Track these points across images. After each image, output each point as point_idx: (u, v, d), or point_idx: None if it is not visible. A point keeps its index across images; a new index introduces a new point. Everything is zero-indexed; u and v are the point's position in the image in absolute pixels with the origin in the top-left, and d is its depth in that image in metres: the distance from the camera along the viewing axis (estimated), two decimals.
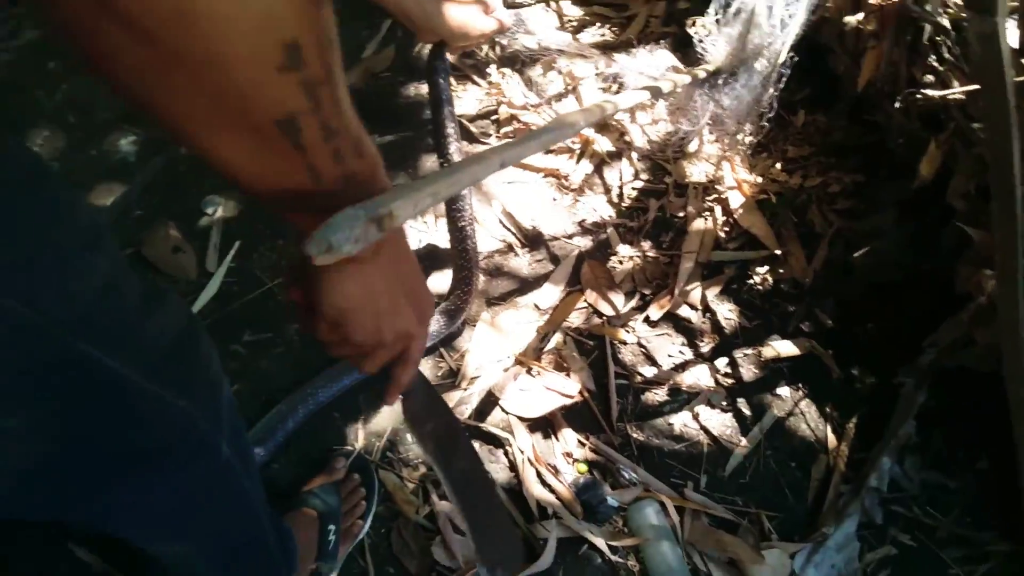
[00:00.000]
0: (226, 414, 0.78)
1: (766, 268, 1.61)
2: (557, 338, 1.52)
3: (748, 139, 1.69)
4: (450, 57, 1.45)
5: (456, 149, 1.39)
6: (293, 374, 1.41)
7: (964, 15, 1.19)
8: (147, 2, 0.37)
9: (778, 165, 1.71)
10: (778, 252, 1.61)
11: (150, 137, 1.73)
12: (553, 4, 2.16)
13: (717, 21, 1.52)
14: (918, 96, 1.29)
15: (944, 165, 1.32)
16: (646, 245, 1.66)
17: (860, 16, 1.41)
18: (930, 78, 1.30)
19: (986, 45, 0.85)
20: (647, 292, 1.60)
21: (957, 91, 1.23)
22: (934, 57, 1.28)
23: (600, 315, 1.56)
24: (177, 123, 0.45)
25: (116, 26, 0.38)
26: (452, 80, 1.93)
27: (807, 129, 1.76)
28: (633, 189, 1.76)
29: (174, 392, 0.68)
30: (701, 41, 1.55)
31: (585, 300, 1.58)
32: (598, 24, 2.12)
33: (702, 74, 1.49)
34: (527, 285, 1.61)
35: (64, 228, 0.59)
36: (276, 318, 1.50)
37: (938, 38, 1.25)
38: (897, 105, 1.35)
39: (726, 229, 1.67)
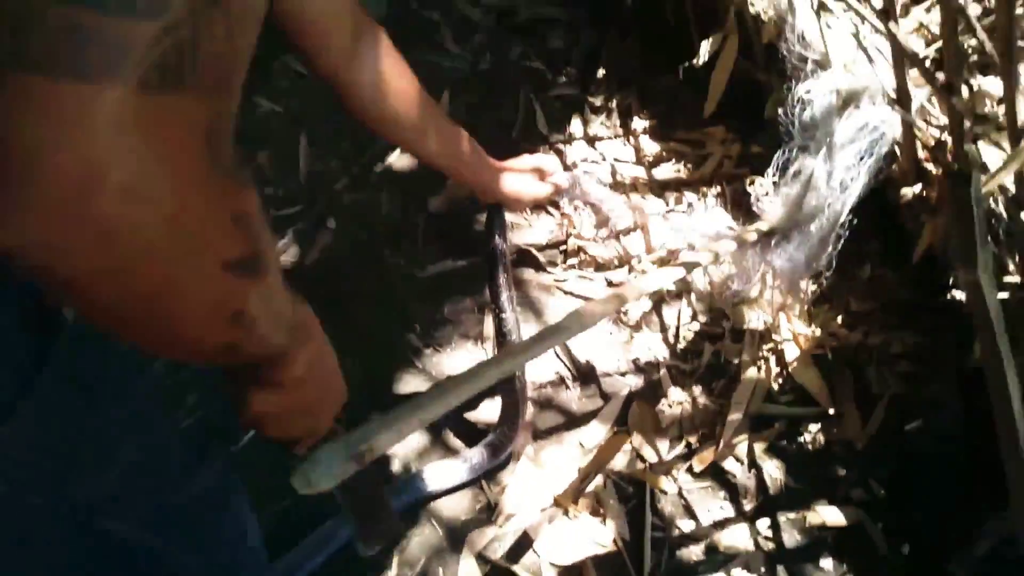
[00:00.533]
0: (245, 563, 0.86)
1: (818, 427, 1.58)
2: (598, 480, 1.54)
3: (810, 290, 1.69)
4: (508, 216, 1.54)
5: (511, 316, 1.45)
6: None
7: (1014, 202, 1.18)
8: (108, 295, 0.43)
9: (839, 319, 1.69)
10: (832, 411, 1.58)
11: None
12: (632, 138, 2.25)
13: (775, 183, 1.56)
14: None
15: None
16: (697, 390, 1.67)
17: (917, 188, 1.41)
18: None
19: (975, 294, 0.86)
20: (693, 440, 1.60)
21: (1011, 278, 1.21)
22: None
23: (643, 460, 1.57)
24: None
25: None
26: (525, 211, 2.05)
27: (873, 284, 1.73)
28: (689, 331, 1.78)
29: (184, 548, 0.76)
30: (758, 200, 1.59)
31: (630, 443, 1.60)
32: (673, 160, 2.19)
33: (752, 236, 1.52)
34: (574, 421, 1.65)
35: (113, 411, 0.68)
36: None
37: (992, 221, 1.24)
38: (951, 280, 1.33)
39: (779, 381, 1.66)
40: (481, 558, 1.43)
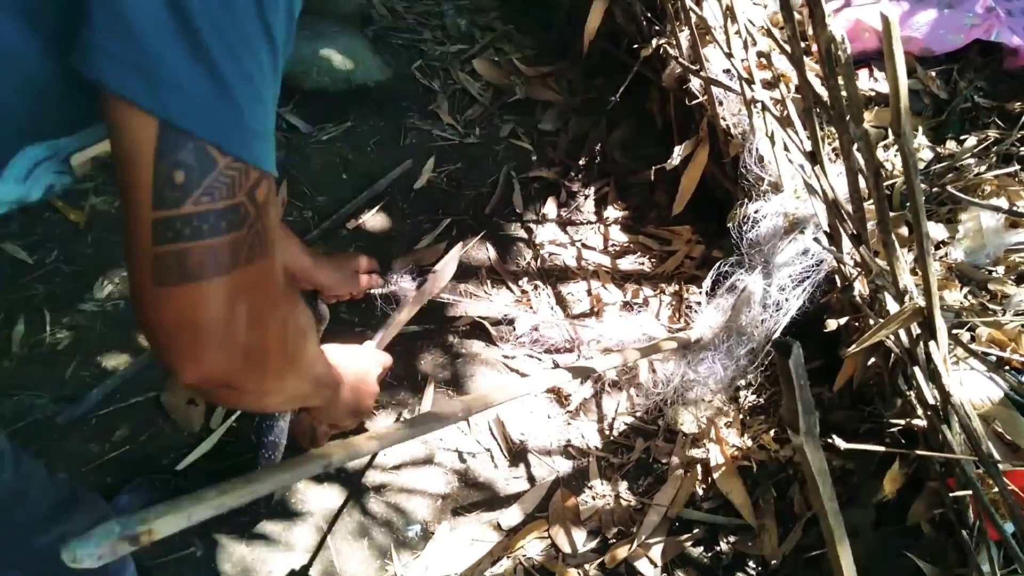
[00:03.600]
0: None
1: (735, 538, 1.60)
2: (507, 565, 1.54)
3: (747, 401, 1.72)
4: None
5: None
6: (249, 547, 1.51)
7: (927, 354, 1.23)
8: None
9: (772, 432, 1.72)
10: (752, 524, 1.60)
11: None
12: (603, 227, 2.33)
13: (707, 293, 1.62)
14: (886, 414, 1.31)
15: (912, 482, 1.31)
16: (622, 486, 1.69)
17: (843, 320, 1.46)
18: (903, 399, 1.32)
19: (800, 455, 0.91)
20: (610, 535, 1.61)
21: (918, 420, 1.24)
22: (902, 380, 1.31)
23: (557, 551, 1.58)
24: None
25: None
26: (486, 284, 2.11)
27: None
28: (624, 424, 1.81)
29: None
30: (690, 308, 1.64)
31: (547, 531, 1.61)
32: (639, 253, 2.26)
33: (673, 345, 1.57)
34: (496, 501, 1.67)
35: None
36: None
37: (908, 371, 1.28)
38: (867, 412, 1.36)
39: (704, 487, 1.68)
40: None
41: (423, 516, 1.62)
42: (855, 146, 0.98)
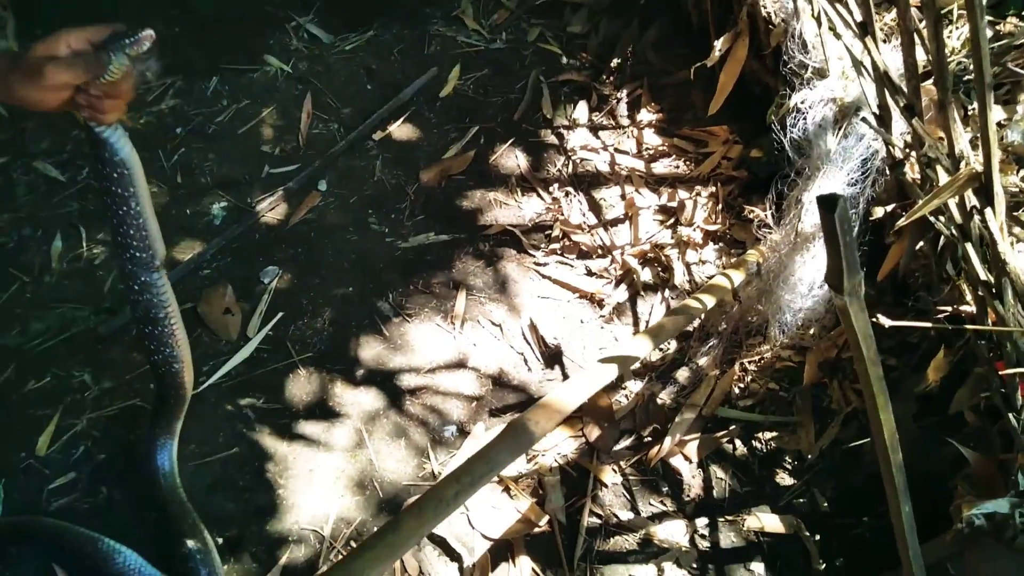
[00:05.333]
0: None
1: (772, 435, 1.60)
2: (542, 462, 1.57)
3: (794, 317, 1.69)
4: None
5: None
6: (291, 446, 1.56)
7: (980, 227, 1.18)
8: None
9: (812, 331, 1.70)
10: (788, 421, 1.59)
11: (237, 207, 1.99)
12: (635, 131, 2.27)
13: (773, 212, 1.57)
14: (934, 301, 1.27)
15: (955, 373, 1.28)
16: (658, 387, 1.69)
17: (890, 207, 1.41)
18: (950, 284, 1.28)
19: (843, 317, 0.87)
20: (645, 434, 1.63)
21: (966, 307, 1.21)
22: (950, 265, 1.26)
23: (591, 449, 1.60)
24: None
25: None
26: (516, 192, 2.08)
27: None
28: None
29: None
30: (758, 228, 1.61)
31: (582, 430, 1.63)
32: (674, 156, 2.20)
33: (749, 264, 1.51)
34: (531, 402, 1.68)
35: None
36: (289, 384, 1.66)
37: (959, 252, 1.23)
38: (910, 304, 1.33)
39: (741, 386, 1.67)
40: None
41: (459, 417, 1.65)
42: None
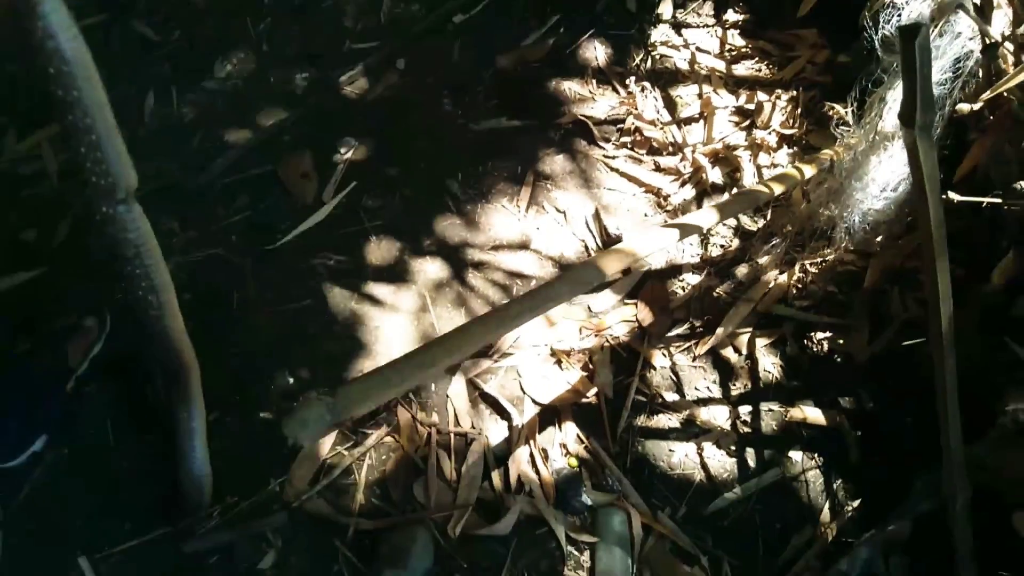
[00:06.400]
0: None
1: (825, 335, 1.63)
2: (595, 341, 1.64)
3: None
4: None
5: None
6: (359, 303, 1.67)
7: None
8: None
9: (879, 237, 1.69)
10: (843, 324, 1.62)
11: (319, 79, 2.06)
12: (720, 30, 2.22)
13: (855, 111, 1.54)
14: (1007, 203, 1.26)
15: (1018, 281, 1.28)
16: (715, 281, 1.73)
17: (977, 106, 1.38)
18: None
19: (911, 154, 0.88)
20: (698, 324, 1.67)
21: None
22: None
23: (644, 333, 1.66)
24: None
25: None
26: (591, 83, 2.09)
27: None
28: (725, 224, 1.82)
29: None
30: (838, 125, 1.59)
31: (636, 315, 1.69)
32: (757, 59, 2.16)
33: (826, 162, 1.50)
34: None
35: None
36: (360, 248, 1.75)
37: None
38: (985, 204, 1.32)
39: (799, 286, 1.69)
40: (471, 383, 1.58)
41: (517, 293, 1.72)
42: None
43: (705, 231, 1.75)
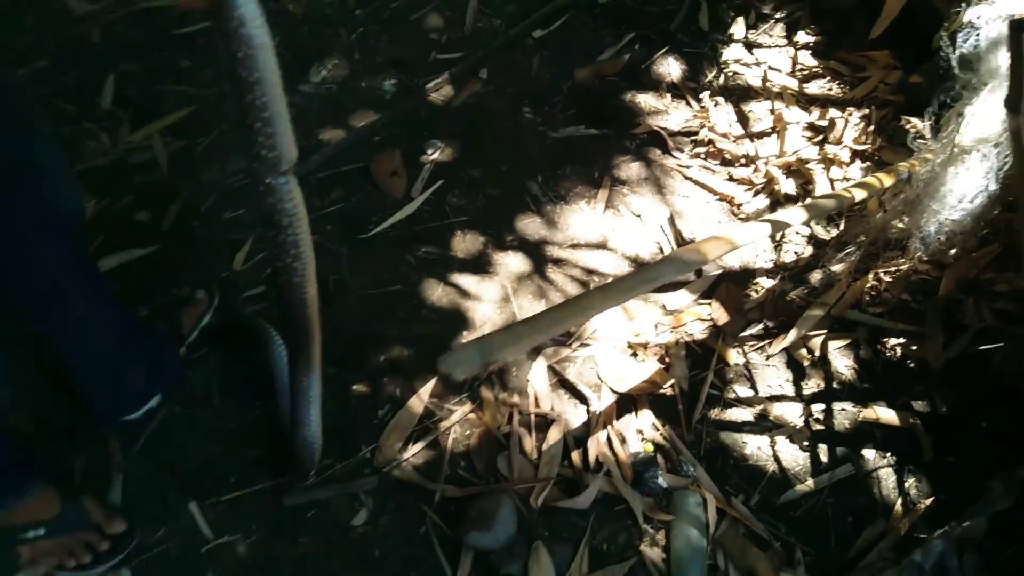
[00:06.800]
0: None
1: (900, 341, 1.67)
2: (671, 337, 1.72)
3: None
4: None
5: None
6: (445, 290, 1.77)
7: None
8: None
9: (954, 249, 1.74)
10: (916, 331, 1.67)
11: (406, 85, 2.19)
12: (792, 50, 2.31)
13: (932, 124, 1.61)
14: None
15: None
16: (789, 285, 1.79)
17: None
18: None
19: (1015, 137, 0.94)
20: (772, 325, 1.74)
21: None
22: None
23: (719, 331, 1.73)
24: None
25: None
26: (666, 97, 2.19)
27: (999, 222, 1.76)
28: (797, 233, 1.89)
29: None
30: (915, 139, 1.66)
31: (711, 315, 1.76)
32: (828, 78, 2.24)
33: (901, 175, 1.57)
34: (664, 287, 1.82)
35: None
36: (446, 241, 1.86)
37: None
38: None
39: (872, 294, 1.75)
40: (552, 369, 1.66)
41: (594, 287, 1.81)
42: None
43: (784, 233, 1.83)
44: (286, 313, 1.17)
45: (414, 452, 1.54)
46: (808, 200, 1.90)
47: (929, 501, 1.48)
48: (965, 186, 1.59)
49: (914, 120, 1.82)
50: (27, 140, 1.12)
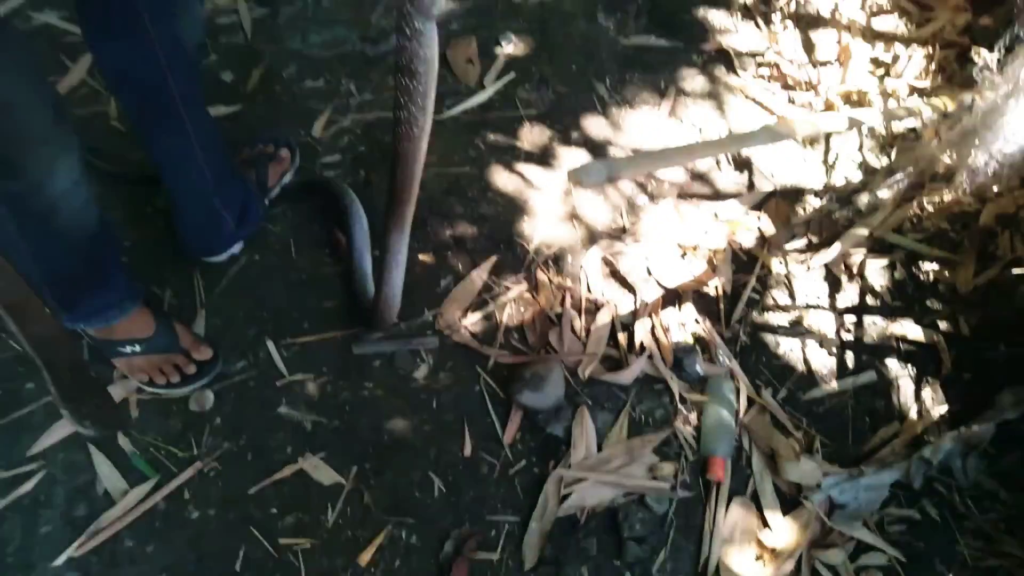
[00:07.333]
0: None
1: (934, 267, 1.79)
2: (719, 244, 1.83)
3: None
4: None
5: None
6: (511, 177, 1.88)
7: None
8: None
9: (998, 185, 1.84)
10: (952, 258, 1.78)
11: None
12: None
13: (999, 59, 1.68)
14: None
15: None
16: (836, 206, 1.90)
17: None
18: None
19: None
20: (815, 241, 1.85)
21: None
22: None
23: (764, 241, 1.84)
24: None
25: None
26: (737, 16, 2.25)
27: None
28: (851, 160, 1.98)
29: None
30: (981, 70, 1.72)
31: (759, 226, 1.87)
32: (897, 14, 2.29)
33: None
34: (717, 195, 1.93)
35: None
36: (515, 131, 1.96)
37: None
38: None
39: (914, 220, 1.85)
40: (605, 261, 1.79)
41: (651, 191, 1.91)
42: None
43: (837, 155, 1.92)
44: (395, 166, 1.26)
45: (472, 321, 1.68)
46: (883, 107, 1.98)
47: (943, 410, 1.62)
48: (1022, 121, 1.68)
49: (983, 51, 1.88)
50: None
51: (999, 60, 1.71)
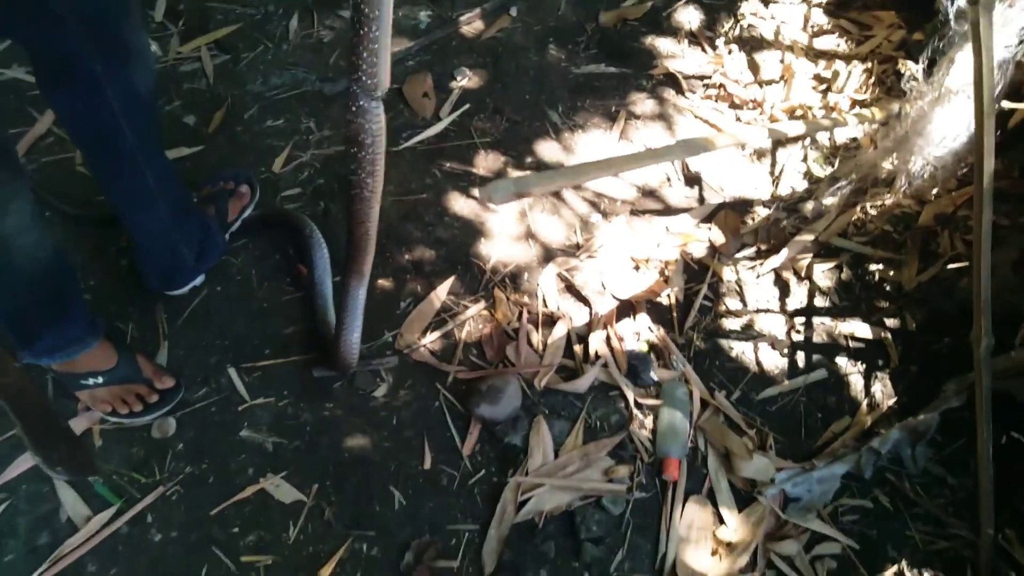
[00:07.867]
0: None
1: (879, 267, 1.86)
2: (671, 254, 1.90)
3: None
4: None
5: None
6: (467, 201, 1.96)
7: None
8: None
9: (936, 189, 1.92)
10: (895, 258, 1.85)
11: (440, 16, 2.37)
12: (806, 7, 2.48)
13: (925, 68, 1.78)
14: None
15: None
16: (783, 215, 1.98)
17: None
18: None
19: (974, 31, 1.12)
20: (764, 248, 1.93)
21: None
22: None
23: (715, 251, 1.92)
24: None
25: None
26: (683, 42, 2.36)
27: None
28: (795, 171, 2.07)
29: None
30: (908, 80, 1.83)
31: (709, 237, 1.94)
32: (837, 35, 2.41)
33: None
34: (668, 211, 2.01)
35: None
36: (470, 158, 2.05)
37: None
38: None
39: (858, 224, 1.93)
40: (560, 276, 1.86)
41: (604, 208, 1.99)
42: None
43: (782, 167, 2.01)
44: (351, 224, 1.31)
45: (431, 339, 1.74)
46: (807, 119, 2.08)
47: (892, 402, 1.67)
48: (950, 126, 1.77)
49: (909, 63, 1.99)
50: (130, 24, 1.31)
51: (924, 70, 1.81)
